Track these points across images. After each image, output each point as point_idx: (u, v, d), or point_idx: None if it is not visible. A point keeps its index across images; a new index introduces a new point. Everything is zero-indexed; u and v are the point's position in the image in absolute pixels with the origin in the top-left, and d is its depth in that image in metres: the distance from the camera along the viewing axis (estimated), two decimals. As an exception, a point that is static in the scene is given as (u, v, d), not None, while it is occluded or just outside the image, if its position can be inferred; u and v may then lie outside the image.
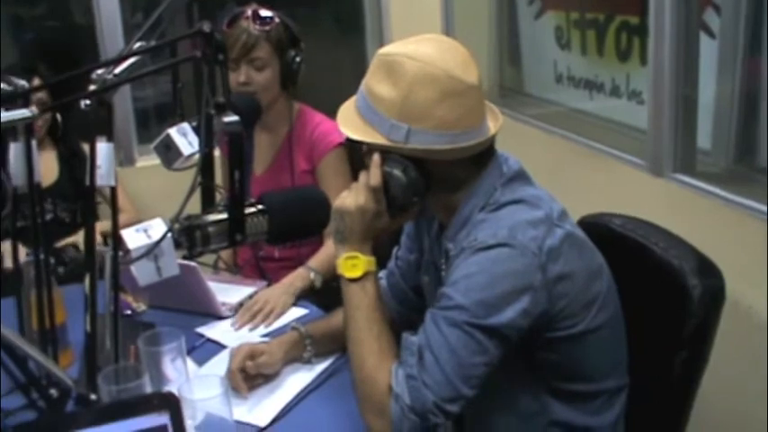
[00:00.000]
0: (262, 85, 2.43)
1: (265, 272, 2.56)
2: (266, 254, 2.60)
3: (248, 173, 2.54)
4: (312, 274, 2.35)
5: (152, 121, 3.98)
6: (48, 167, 3.00)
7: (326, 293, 2.26)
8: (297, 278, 2.34)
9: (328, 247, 2.40)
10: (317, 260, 2.39)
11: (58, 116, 3.03)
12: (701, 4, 2.45)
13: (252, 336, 2.08)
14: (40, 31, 4.07)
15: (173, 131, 1.56)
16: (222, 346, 2.01)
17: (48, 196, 2.95)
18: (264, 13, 2.42)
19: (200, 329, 2.10)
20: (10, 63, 3.25)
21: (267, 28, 2.41)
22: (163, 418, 1.23)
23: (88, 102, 1.41)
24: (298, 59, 2.47)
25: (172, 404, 1.23)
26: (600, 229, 1.65)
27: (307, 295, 2.32)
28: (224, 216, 1.48)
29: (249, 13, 2.41)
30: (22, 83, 1.55)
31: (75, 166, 3.03)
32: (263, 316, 2.16)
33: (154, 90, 3.95)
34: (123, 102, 3.62)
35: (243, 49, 2.39)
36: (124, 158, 3.62)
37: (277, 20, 2.44)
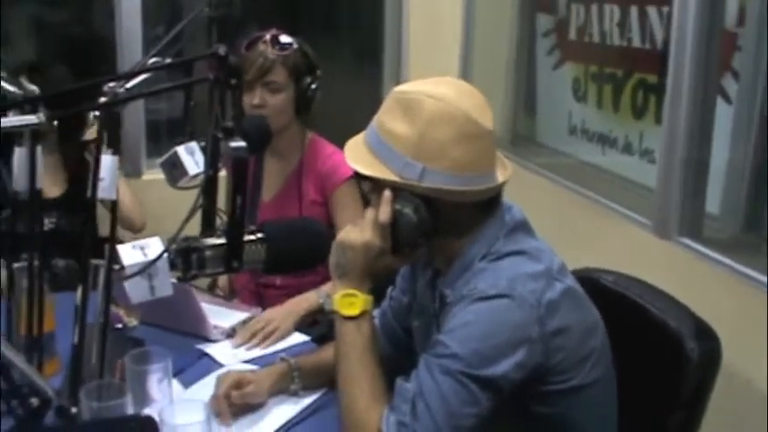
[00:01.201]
0: (276, 109, 2.42)
1: (264, 299, 2.53)
2: (267, 281, 2.56)
3: (256, 198, 2.52)
4: (322, 299, 2.29)
5: (163, 136, 3.97)
6: (58, 178, 2.98)
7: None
8: (303, 300, 2.31)
9: None
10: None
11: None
12: (720, 69, 2.44)
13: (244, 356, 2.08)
14: (60, 35, 4.07)
15: (180, 149, 1.56)
16: (217, 363, 2.01)
17: (53, 208, 2.92)
18: (283, 38, 2.42)
19: (200, 346, 2.10)
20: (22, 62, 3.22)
21: (285, 53, 2.41)
22: (140, 443, 1.21)
23: (97, 113, 1.40)
24: (313, 86, 2.46)
25: (150, 430, 1.21)
26: (589, 284, 1.64)
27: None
28: (222, 241, 1.45)
29: (268, 37, 2.41)
30: (33, 88, 1.54)
31: (84, 178, 2.99)
32: (263, 336, 2.14)
33: (168, 104, 3.93)
34: (136, 113, 3.63)
35: (259, 72, 2.38)
36: (131, 170, 3.61)
37: (295, 46, 2.44)
